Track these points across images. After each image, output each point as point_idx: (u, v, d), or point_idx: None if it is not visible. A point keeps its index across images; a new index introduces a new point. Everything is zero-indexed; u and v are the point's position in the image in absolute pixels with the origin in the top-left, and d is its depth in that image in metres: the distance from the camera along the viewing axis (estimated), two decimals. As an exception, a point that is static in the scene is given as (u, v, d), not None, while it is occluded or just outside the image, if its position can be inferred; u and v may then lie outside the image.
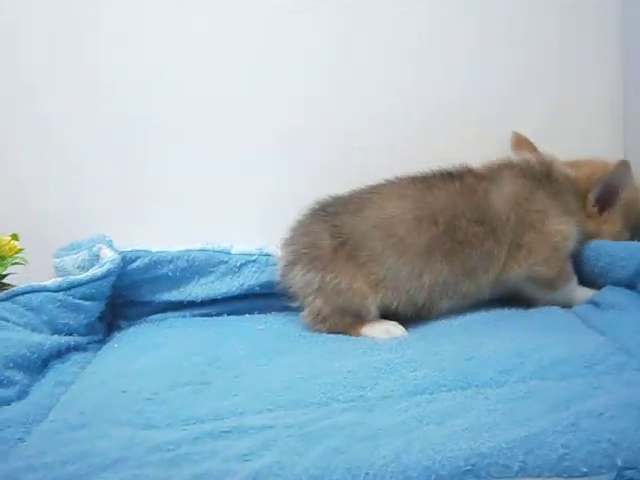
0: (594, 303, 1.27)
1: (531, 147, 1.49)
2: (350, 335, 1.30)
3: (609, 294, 1.25)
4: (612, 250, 1.28)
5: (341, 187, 1.43)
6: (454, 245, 1.31)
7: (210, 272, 1.54)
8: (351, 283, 1.30)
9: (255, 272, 1.53)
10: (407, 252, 1.30)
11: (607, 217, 1.37)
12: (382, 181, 1.40)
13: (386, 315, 1.33)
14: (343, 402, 0.97)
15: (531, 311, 1.32)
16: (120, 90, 1.63)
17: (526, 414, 0.86)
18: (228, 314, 1.52)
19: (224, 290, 1.52)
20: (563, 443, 0.77)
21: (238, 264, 1.53)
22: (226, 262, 1.54)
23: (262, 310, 1.52)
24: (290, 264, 1.38)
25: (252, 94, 1.64)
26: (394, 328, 1.29)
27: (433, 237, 1.30)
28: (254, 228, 1.62)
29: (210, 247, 1.56)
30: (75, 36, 1.60)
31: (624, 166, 1.33)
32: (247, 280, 1.53)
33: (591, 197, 1.36)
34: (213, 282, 1.54)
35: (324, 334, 1.33)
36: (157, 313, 1.56)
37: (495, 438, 0.80)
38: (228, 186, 1.67)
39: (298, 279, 1.36)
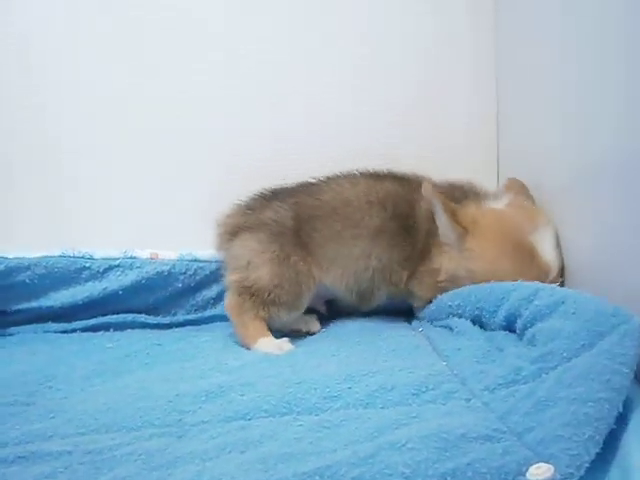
0: (448, 327, 1.28)
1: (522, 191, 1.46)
2: (243, 340, 1.34)
3: (463, 321, 1.26)
4: (449, 300, 1.31)
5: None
6: (399, 231, 1.40)
7: (72, 279, 1.53)
8: (309, 270, 1.38)
9: (119, 276, 1.53)
10: (361, 233, 1.40)
11: None
12: (329, 175, 1.51)
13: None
14: (158, 427, 0.96)
15: (384, 332, 1.35)
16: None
17: (331, 444, 0.86)
18: (83, 330, 1.50)
19: (86, 294, 1.52)
20: (354, 476, 0.77)
21: (102, 269, 1.53)
22: (89, 268, 1.53)
23: (117, 327, 1.50)
24: (247, 229, 1.42)
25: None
26: (285, 344, 1.32)
27: (383, 221, 1.40)
28: (119, 231, 1.62)
29: (71, 253, 1.54)
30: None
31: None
32: (110, 284, 1.52)
33: None
34: (75, 287, 1.53)
35: (177, 349, 1.34)
36: (17, 324, 1.53)
37: (287, 469, 0.80)
38: (92, 190, 1.67)
39: (253, 244, 1.40)
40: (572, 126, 1.23)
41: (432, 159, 1.65)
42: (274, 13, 1.65)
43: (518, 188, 1.43)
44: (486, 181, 1.54)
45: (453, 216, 1.30)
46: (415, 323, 1.42)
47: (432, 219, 1.36)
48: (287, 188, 1.49)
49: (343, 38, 1.67)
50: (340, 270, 1.41)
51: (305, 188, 1.48)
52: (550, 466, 0.76)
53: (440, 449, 0.81)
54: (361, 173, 1.49)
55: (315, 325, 1.39)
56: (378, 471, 0.77)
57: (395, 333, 1.34)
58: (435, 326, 1.34)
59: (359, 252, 1.40)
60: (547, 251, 1.25)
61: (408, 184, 1.45)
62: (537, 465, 0.77)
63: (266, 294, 1.35)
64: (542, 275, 1.23)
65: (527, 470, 0.76)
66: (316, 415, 0.96)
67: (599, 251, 1.14)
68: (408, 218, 1.41)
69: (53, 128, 1.63)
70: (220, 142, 1.66)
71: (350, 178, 1.48)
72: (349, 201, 1.43)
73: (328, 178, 1.50)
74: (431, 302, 1.37)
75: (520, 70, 1.54)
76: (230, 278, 1.40)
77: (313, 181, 1.50)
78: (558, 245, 1.28)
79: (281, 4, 1.65)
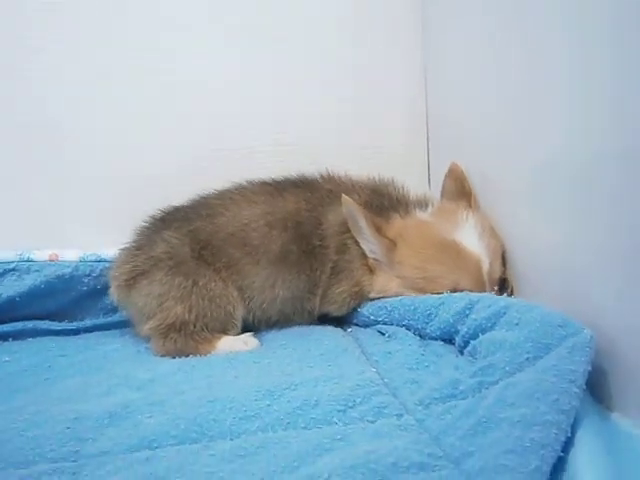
0: (380, 332, 1.21)
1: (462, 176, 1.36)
2: (198, 353, 1.21)
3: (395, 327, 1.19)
4: (372, 315, 1.25)
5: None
6: (300, 256, 1.28)
7: (-39, 286, 1.39)
8: (225, 289, 1.25)
9: (15, 281, 1.40)
10: (261, 260, 1.27)
11: None
12: (230, 187, 1.37)
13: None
14: (52, 461, 0.85)
15: (312, 333, 1.27)
16: None
17: (246, 478, 0.75)
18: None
19: (-23, 304, 1.38)
20: (269, 521, 0.67)
21: (-6, 274, 1.39)
22: (-20, 273, 1.39)
23: (17, 336, 1.38)
24: (141, 274, 1.28)
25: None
26: (250, 339, 1.24)
27: (283, 244, 1.28)
28: (13, 232, 1.48)
29: (-41, 258, 1.40)
30: None
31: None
32: (6, 290, 1.39)
33: None
34: (-35, 296, 1.39)
35: (82, 360, 1.22)
36: None
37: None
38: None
39: (154, 287, 1.26)
40: (510, 126, 1.17)
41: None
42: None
43: (458, 174, 1.35)
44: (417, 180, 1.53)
45: (379, 231, 1.24)
46: (345, 325, 1.33)
47: (342, 232, 1.28)
48: (178, 211, 1.35)
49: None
50: (246, 301, 1.29)
51: (199, 210, 1.33)
52: (492, 501, 0.68)
53: (368, 483, 0.71)
54: (260, 185, 1.37)
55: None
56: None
57: (323, 334, 1.25)
58: (365, 328, 1.26)
59: (262, 282, 1.28)
60: (472, 243, 1.20)
61: (313, 193, 1.34)
62: (477, 499, 0.69)
63: (192, 326, 1.24)
64: (474, 266, 1.18)
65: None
66: (230, 440, 0.86)
67: (551, 257, 1.06)
68: (313, 237, 1.29)
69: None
70: (126, 135, 1.54)
71: (248, 194, 1.34)
72: (246, 224, 1.30)
73: (224, 195, 1.36)
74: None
75: (452, 66, 1.46)
76: (145, 328, 1.27)
77: (208, 198, 1.36)
78: (490, 234, 1.23)
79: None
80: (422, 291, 1.20)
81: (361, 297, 1.28)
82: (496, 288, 1.18)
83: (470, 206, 1.28)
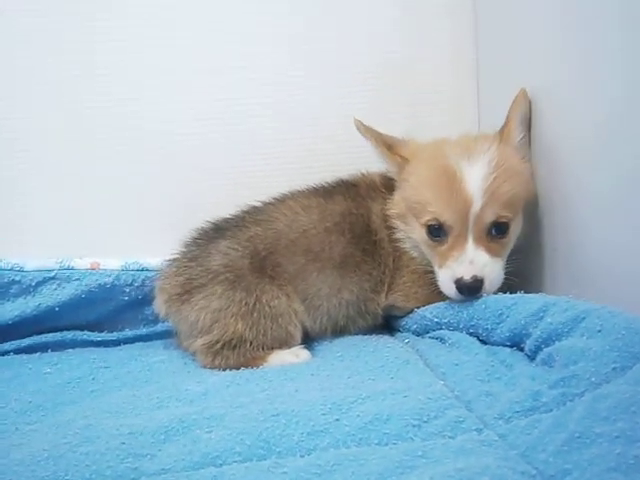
0: (440, 338, 1.16)
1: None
2: (249, 367, 1.17)
3: (457, 333, 1.14)
4: (436, 317, 1.21)
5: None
6: (363, 256, 1.27)
7: (-2, 294, 1.36)
8: (289, 305, 1.22)
9: (55, 290, 1.37)
10: (325, 267, 1.24)
11: None
12: (279, 195, 1.35)
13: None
14: (111, 479, 0.80)
15: (367, 344, 1.22)
16: None
17: (326, 500, 0.70)
18: (16, 352, 1.34)
19: (16, 313, 1.36)
20: None
21: (34, 283, 1.37)
22: (18, 281, 1.37)
23: (56, 347, 1.35)
24: (197, 288, 1.24)
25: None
26: (301, 351, 1.20)
27: (344, 248, 1.27)
28: (54, 238, 1.46)
29: (-3, 264, 1.37)
30: None
31: None
32: (45, 300, 1.36)
33: None
34: (2, 305, 1.37)
35: (126, 372, 1.18)
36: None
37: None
38: (23, 190, 1.49)
39: (212, 301, 1.22)
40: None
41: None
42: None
43: (515, 100, 1.23)
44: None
45: (390, 149, 1.26)
46: (399, 334, 1.29)
47: (387, 222, 1.28)
48: (232, 220, 1.32)
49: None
50: (312, 310, 1.27)
51: (253, 218, 1.30)
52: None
53: (462, 503, 0.66)
54: (309, 190, 1.35)
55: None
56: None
57: (380, 345, 1.21)
58: (423, 337, 1.21)
59: (328, 288, 1.26)
60: (471, 179, 1.14)
61: (357, 192, 1.32)
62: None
63: (248, 344, 1.20)
64: (463, 204, 1.14)
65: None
66: (301, 457, 0.81)
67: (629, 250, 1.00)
68: (369, 235, 1.28)
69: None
70: (171, 143, 1.51)
71: (301, 200, 1.32)
72: (306, 230, 1.27)
73: (277, 201, 1.33)
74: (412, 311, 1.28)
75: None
76: (197, 344, 1.22)
77: (259, 206, 1.34)
78: (505, 176, 1.15)
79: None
80: (417, 217, 1.19)
81: (423, 285, 1.25)
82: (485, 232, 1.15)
83: (501, 139, 1.21)
